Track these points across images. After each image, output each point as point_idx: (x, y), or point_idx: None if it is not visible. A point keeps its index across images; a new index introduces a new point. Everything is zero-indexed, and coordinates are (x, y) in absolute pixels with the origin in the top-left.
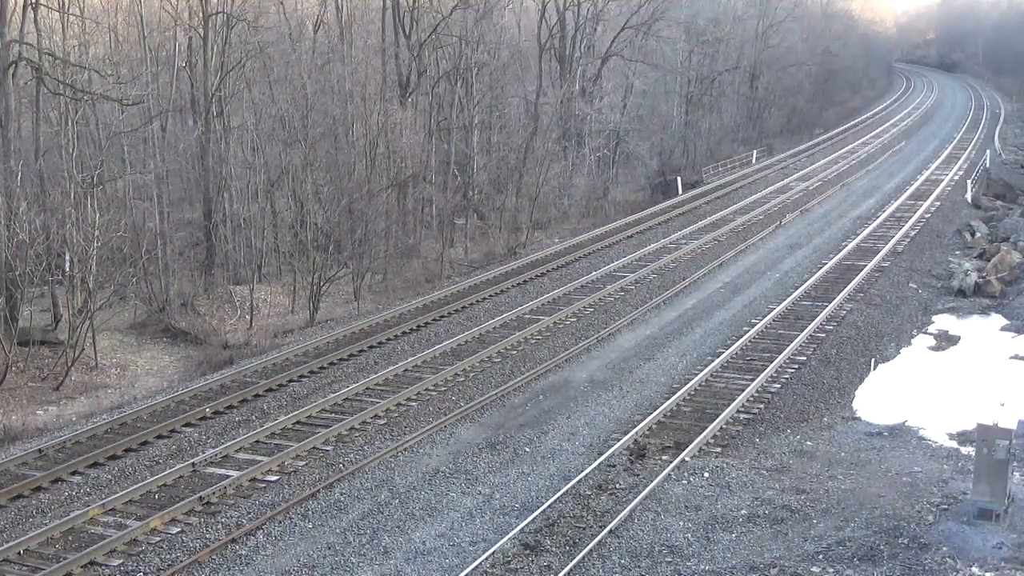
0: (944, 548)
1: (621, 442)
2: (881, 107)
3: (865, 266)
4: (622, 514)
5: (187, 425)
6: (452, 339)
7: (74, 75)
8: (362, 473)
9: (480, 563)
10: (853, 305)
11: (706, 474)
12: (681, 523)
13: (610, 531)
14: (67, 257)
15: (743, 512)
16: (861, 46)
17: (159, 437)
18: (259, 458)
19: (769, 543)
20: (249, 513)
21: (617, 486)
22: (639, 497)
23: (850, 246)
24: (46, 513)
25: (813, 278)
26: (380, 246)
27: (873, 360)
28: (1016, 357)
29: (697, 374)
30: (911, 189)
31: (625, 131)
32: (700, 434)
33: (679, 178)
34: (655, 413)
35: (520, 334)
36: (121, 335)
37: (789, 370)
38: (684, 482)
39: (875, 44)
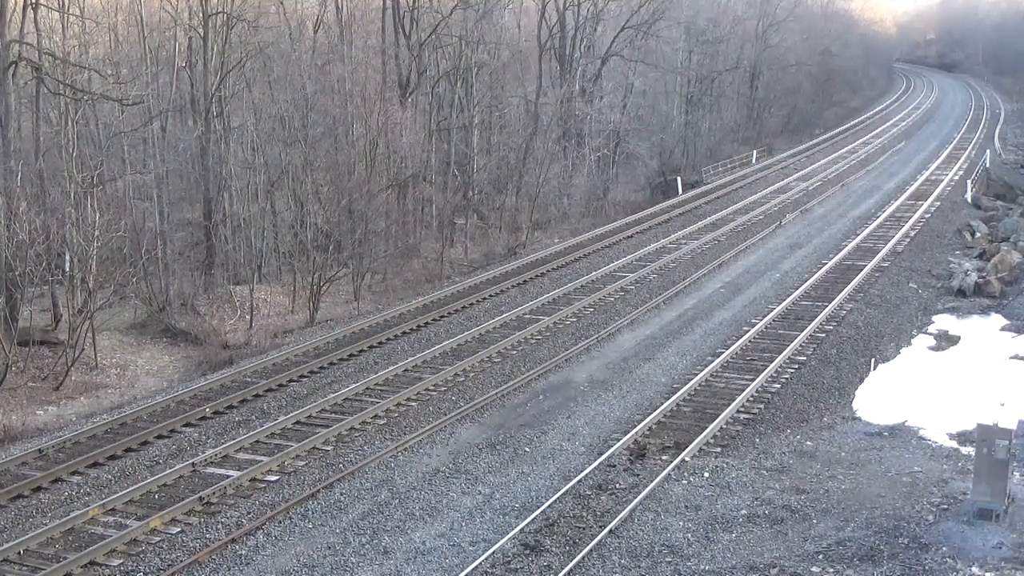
0: (944, 548)
1: (621, 442)
2: (881, 107)
3: (865, 266)
4: (622, 514)
5: (187, 425)
6: (452, 339)
7: (74, 75)
8: (362, 473)
9: (480, 563)
10: (853, 305)
11: (706, 474)
12: (681, 523)
13: (610, 531)
14: (67, 257)
15: (743, 512)
16: (861, 46)
17: (159, 437)
18: (259, 458)
19: (769, 543)
20: (249, 513)
21: (617, 486)
22: (639, 497)
23: (850, 246)
24: (46, 513)
25: (813, 278)
26: (380, 246)
27: (873, 360)
28: (1016, 357)
29: (697, 374)
30: (911, 189)
31: (625, 131)
32: (700, 434)
33: (679, 178)
34: (655, 413)
35: (520, 334)
36: (121, 335)
37: (789, 370)
38: (684, 482)
39: (875, 44)
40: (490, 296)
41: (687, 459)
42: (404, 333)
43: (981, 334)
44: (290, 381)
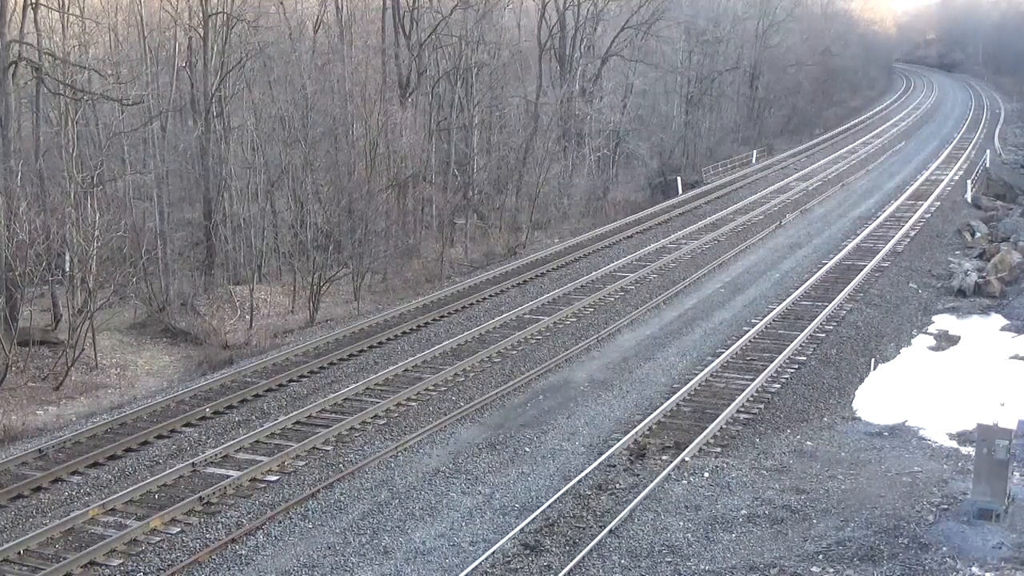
0: (944, 548)
1: (621, 442)
2: (881, 107)
3: (865, 266)
4: (622, 514)
5: (187, 425)
6: (452, 339)
7: (74, 75)
8: (362, 473)
9: (480, 563)
10: (853, 305)
11: (706, 474)
12: (681, 523)
13: (610, 531)
14: (67, 257)
15: (743, 512)
16: (861, 46)
17: (159, 437)
18: (259, 458)
19: (769, 543)
20: (249, 513)
21: (617, 486)
22: (639, 497)
23: (850, 246)
24: (46, 513)
25: (813, 278)
26: (380, 246)
27: (873, 360)
28: (1016, 357)
29: (697, 374)
30: (911, 189)
31: (625, 131)
32: (700, 434)
33: (679, 178)
34: (655, 413)
35: (520, 334)
36: (121, 335)
37: (789, 370)
38: (684, 482)
39: (875, 44)
40: (490, 296)
41: (687, 459)
42: (404, 333)
43: (981, 334)
44: (290, 381)
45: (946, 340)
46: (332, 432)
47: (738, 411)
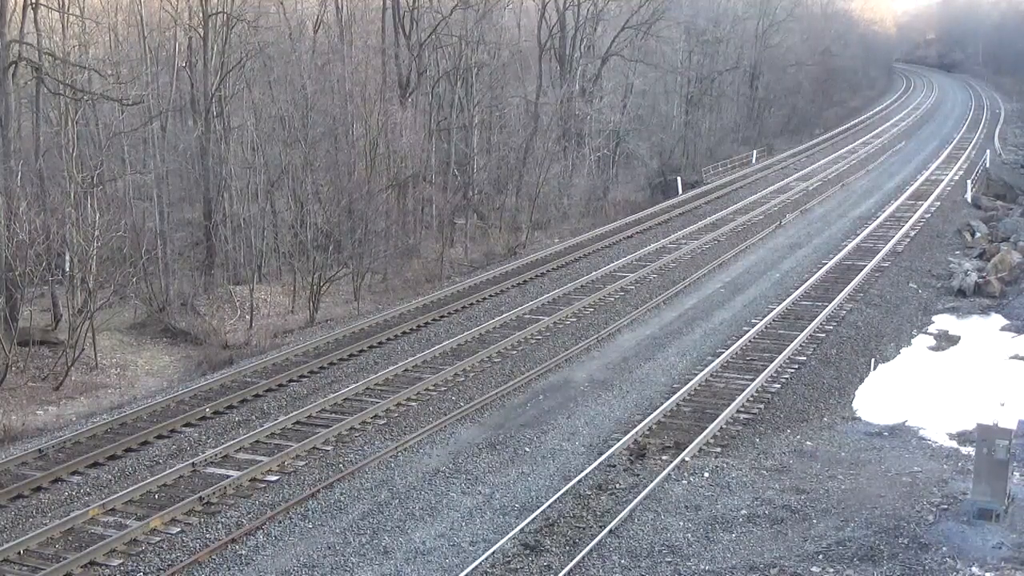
0: (944, 548)
1: (621, 442)
2: (881, 107)
3: (865, 266)
4: (622, 514)
5: (187, 425)
6: (452, 339)
7: (74, 75)
8: (362, 473)
9: (480, 563)
10: (853, 305)
11: (706, 474)
12: (681, 523)
13: (610, 531)
14: (67, 257)
15: (743, 512)
16: (861, 46)
17: (159, 437)
18: (259, 458)
19: (769, 543)
20: (249, 513)
21: (617, 486)
22: (639, 497)
23: (850, 246)
24: (46, 513)
25: (813, 278)
26: (380, 246)
27: (873, 360)
28: (1016, 357)
29: (697, 374)
30: (911, 189)
31: (625, 131)
32: (700, 434)
33: (679, 178)
34: (655, 413)
35: (520, 334)
36: (121, 335)
37: (789, 370)
38: (684, 482)
39: (875, 44)
40: (490, 296)
41: (687, 459)
42: (404, 333)
43: (981, 334)
44: (290, 381)
45: (946, 340)
46: (332, 432)
47: (738, 411)
